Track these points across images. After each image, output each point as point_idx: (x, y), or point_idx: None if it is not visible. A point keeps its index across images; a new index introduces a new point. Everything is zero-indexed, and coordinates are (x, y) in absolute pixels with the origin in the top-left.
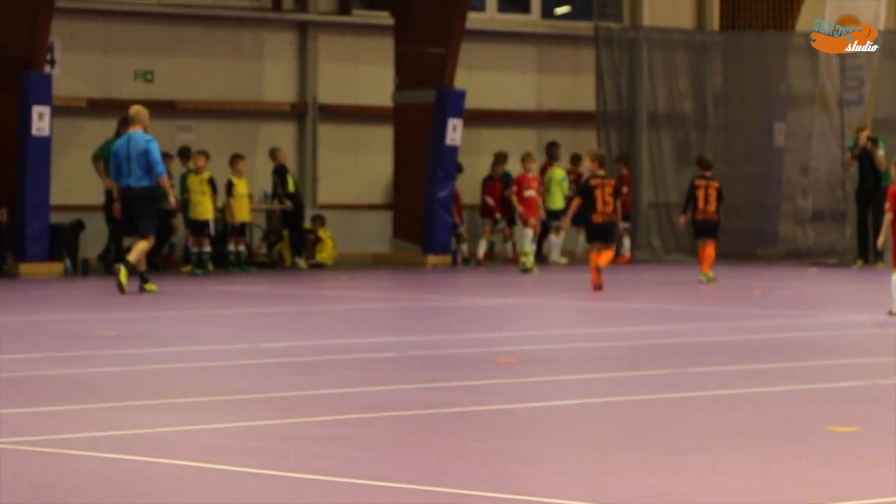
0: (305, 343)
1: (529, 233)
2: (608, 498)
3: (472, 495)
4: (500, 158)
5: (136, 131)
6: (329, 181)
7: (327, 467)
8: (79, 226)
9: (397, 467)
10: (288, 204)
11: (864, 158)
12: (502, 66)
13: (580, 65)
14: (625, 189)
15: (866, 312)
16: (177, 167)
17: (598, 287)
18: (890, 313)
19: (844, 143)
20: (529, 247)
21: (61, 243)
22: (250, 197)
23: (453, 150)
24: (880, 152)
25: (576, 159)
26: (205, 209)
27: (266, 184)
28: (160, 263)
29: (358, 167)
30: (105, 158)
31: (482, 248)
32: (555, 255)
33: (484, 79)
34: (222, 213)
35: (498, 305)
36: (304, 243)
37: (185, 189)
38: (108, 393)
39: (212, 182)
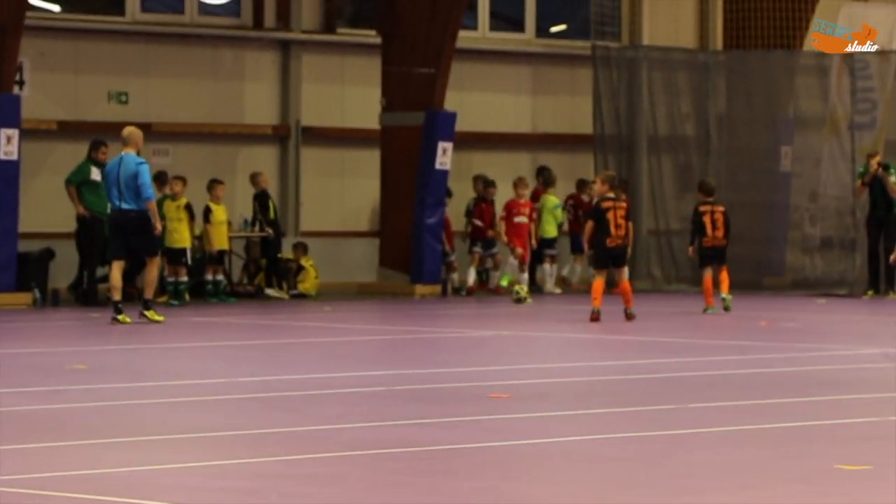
0: (286, 377)
1: (515, 264)
2: None
3: None
4: (487, 183)
5: (128, 154)
6: (312, 207)
7: None
8: (48, 254)
9: None
10: (269, 232)
11: (876, 184)
12: (495, 86)
13: (577, 86)
14: None
15: (877, 345)
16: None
17: (596, 318)
18: None
19: (855, 168)
20: (509, 277)
21: (30, 272)
22: (229, 224)
23: (443, 175)
24: (892, 178)
25: (581, 185)
26: (181, 237)
27: (246, 210)
28: (134, 293)
29: (343, 193)
30: (79, 183)
31: (472, 277)
32: (549, 285)
33: (475, 100)
34: (200, 240)
35: (490, 337)
36: (284, 273)
37: (161, 216)
38: (78, 430)
39: (189, 208)
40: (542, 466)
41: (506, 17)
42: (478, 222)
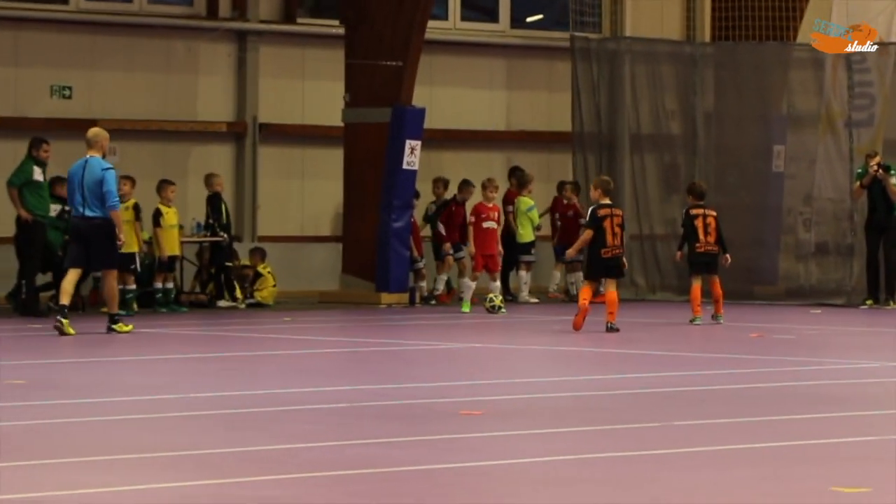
0: (241, 393)
1: (472, 286)
2: None
3: None
4: (445, 184)
5: (93, 157)
6: (270, 210)
7: None
8: None
9: None
10: (224, 237)
11: (875, 186)
12: (466, 81)
13: (554, 80)
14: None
15: (876, 359)
16: None
17: (579, 327)
18: None
19: (853, 169)
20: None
21: None
22: (181, 228)
23: (410, 176)
24: (893, 180)
25: (561, 187)
26: (129, 241)
27: (198, 213)
28: (79, 303)
29: (303, 194)
30: (21, 185)
31: (441, 285)
32: (524, 294)
33: (446, 95)
34: (149, 245)
35: (461, 350)
36: (240, 280)
37: None
38: (13, 450)
39: (137, 211)
40: (516, 489)
41: (478, 7)
42: (441, 228)
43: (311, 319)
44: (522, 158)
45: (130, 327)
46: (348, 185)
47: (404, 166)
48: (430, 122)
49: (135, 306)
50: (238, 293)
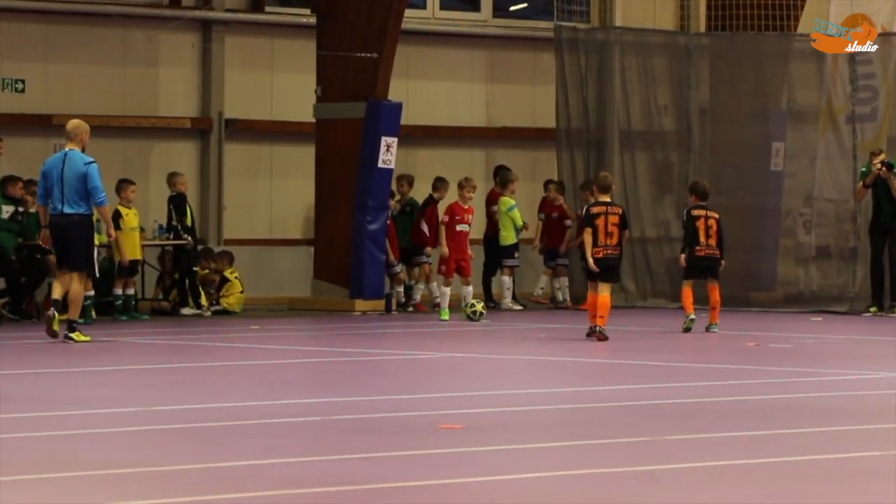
0: (207, 405)
1: (446, 291)
2: None
3: None
4: (410, 182)
5: (73, 150)
6: (237, 211)
7: None
8: None
9: None
10: (189, 240)
11: (880, 186)
12: (446, 74)
13: (539, 73)
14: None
15: (881, 370)
16: None
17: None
18: None
19: (856, 167)
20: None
21: None
22: (142, 231)
23: (387, 175)
24: None
25: (547, 185)
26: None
27: (161, 215)
28: (32, 311)
29: (272, 195)
30: None
31: (420, 291)
32: (508, 300)
33: (424, 89)
34: (108, 249)
35: (441, 360)
36: (206, 286)
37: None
38: None
39: None
40: None
41: None
42: (425, 228)
43: (280, 328)
44: (504, 156)
45: (88, 338)
46: (320, 184)
47: (380, 164)
48: (406, 118)
49: (93, 314)
50: (203, 300)
